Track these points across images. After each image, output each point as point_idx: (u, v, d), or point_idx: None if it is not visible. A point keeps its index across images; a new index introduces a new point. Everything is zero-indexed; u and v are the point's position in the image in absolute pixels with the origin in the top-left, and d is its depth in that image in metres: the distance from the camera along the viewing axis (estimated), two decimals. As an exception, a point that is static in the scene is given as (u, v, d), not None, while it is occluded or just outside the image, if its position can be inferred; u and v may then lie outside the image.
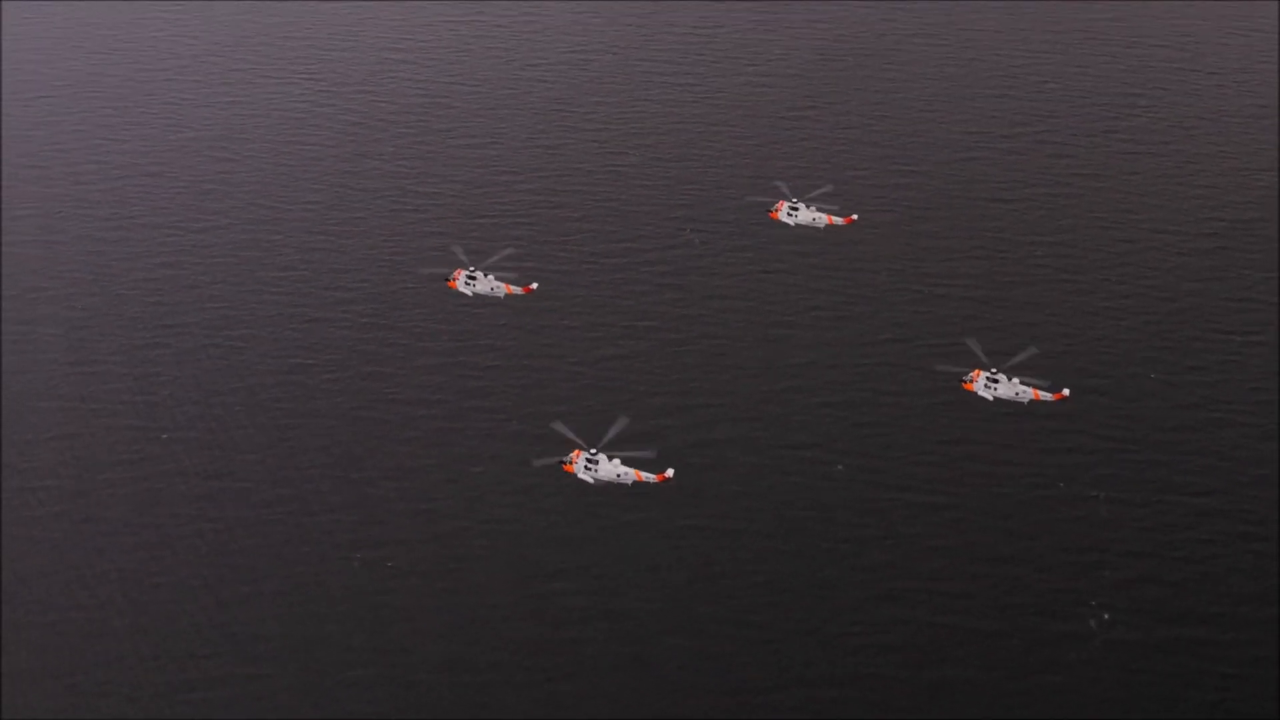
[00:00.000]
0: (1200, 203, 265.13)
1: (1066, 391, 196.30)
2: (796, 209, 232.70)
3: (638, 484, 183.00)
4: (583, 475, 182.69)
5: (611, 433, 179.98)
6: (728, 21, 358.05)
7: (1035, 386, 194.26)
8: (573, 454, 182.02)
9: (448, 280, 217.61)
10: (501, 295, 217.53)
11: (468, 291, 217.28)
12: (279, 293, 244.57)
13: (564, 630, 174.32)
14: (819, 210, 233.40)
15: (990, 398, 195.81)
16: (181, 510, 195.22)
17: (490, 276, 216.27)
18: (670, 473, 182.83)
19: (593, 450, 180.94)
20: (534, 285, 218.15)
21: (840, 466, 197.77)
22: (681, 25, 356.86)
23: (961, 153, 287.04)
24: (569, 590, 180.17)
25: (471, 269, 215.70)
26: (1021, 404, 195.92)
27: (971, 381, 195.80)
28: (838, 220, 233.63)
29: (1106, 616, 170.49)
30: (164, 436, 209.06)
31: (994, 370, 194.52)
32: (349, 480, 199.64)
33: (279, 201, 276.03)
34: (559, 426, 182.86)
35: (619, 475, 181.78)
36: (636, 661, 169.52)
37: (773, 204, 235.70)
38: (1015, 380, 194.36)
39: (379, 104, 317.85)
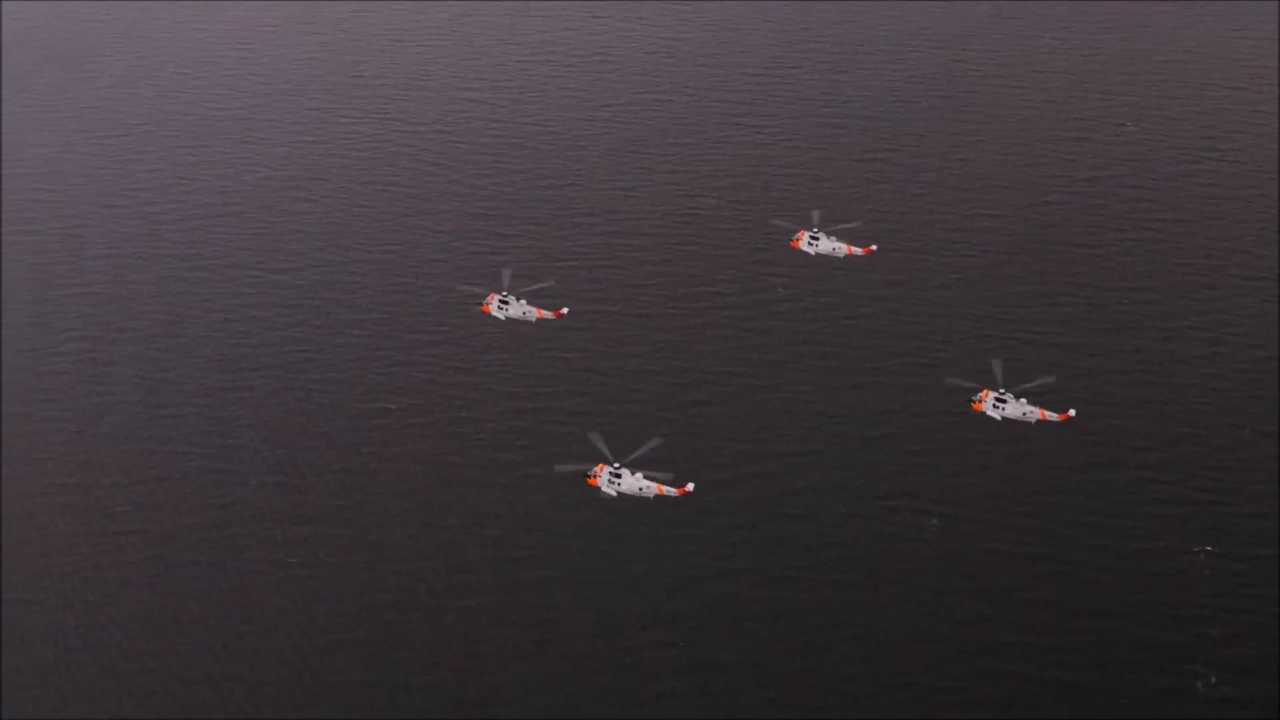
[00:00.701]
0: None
1: (1073, 412, 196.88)
2: (817, 239, 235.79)
3: (659, 497, 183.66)
4: (606, 489, 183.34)
5: (641, 451, 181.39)
6: (802, 62, 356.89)
7: (1042, 407, 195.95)
8: (596, 467, 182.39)
9: (481, 305, 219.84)
10: (533, 320, 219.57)
11: (500, 316, 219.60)
12: (360, 335, 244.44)
13: (655, 683, 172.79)
14: (838, 240, 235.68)
15: (998, 417, 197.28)
16: (268, 556, 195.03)
17: (523, 301, 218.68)
18: (691, 487, 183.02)
19: (616, 465, 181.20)
20: (564, 310, 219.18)
21: (935, 521, 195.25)
22: (754, 67, 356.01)
23: (1040, 197, 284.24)
24: (659, 642, 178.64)
25: (504, 294, 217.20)
26: (1029, 424, 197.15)
27: (980, 402, 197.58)
28: (856, 250, 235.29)
29: (1214, 679, 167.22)
30: (253, 482, 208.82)
31: (1002, 390, 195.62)
32: (436, 527, 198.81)
33: (357, 242, 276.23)
34: (594, 438, 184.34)
35: (641, 489, 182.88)
36: (730, 716, 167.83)
37: (793, 233, 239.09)
38: (1023, 401, 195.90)
39: (454, 144, 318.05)
